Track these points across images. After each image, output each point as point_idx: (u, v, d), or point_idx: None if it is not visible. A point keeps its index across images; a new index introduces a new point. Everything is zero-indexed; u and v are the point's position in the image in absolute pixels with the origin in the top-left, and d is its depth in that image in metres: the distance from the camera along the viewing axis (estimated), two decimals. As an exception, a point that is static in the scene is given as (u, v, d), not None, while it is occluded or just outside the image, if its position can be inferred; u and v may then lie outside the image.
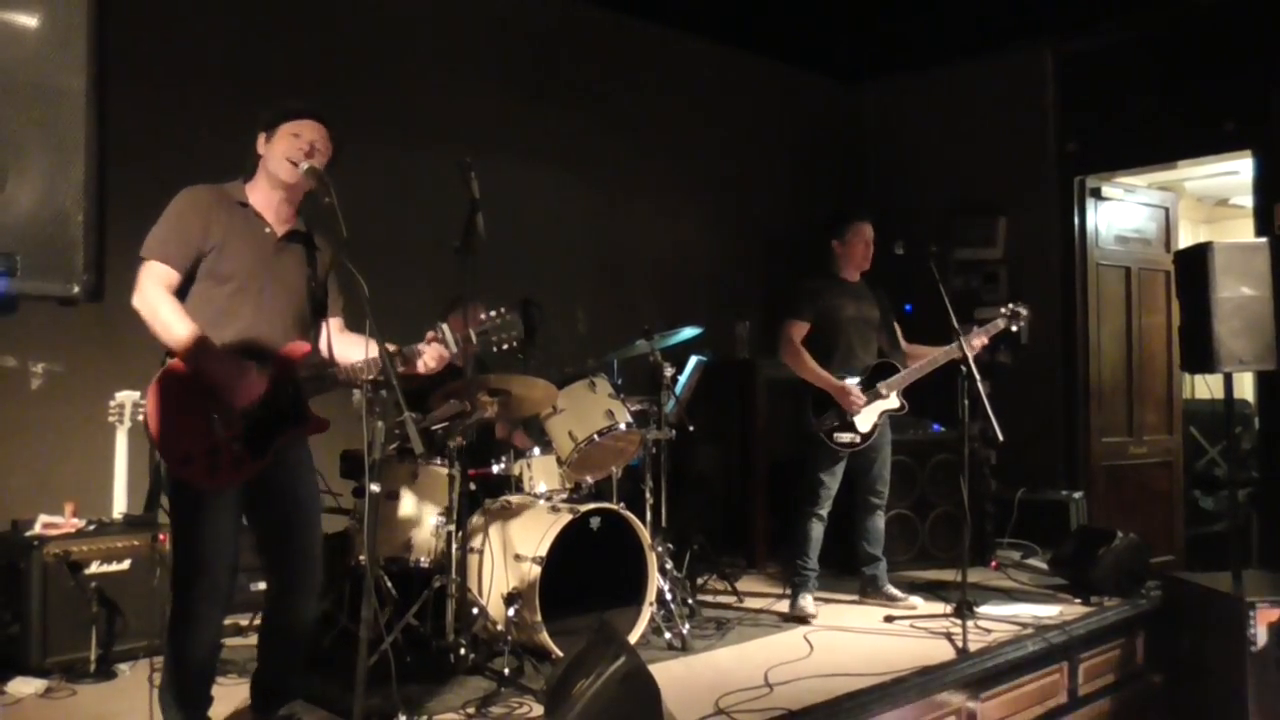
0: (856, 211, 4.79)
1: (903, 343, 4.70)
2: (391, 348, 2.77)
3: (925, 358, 4.52)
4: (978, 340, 4.36)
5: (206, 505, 2.70)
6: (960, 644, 3.86)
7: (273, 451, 2.77)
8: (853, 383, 4.48)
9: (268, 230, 2.85)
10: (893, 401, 4.54)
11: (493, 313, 3.04)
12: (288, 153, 2.79)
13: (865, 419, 4.49)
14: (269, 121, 2.85)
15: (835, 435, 4.47)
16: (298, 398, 2.82)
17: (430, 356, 2.89)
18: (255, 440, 2.73)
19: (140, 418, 3.82)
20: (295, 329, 2.87)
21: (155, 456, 2.73)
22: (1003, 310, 4.55)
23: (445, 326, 2.94)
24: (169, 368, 2.69)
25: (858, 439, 4.48)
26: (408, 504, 3.83)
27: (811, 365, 4.48)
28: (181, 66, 4.39)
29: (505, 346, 3.03)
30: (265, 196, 2.86)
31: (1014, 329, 4.56)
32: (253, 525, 2.92)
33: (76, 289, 1.57)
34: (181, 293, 2.74)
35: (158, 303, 2.66)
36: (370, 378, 2.76)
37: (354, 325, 3.03)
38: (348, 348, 2.95)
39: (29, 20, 1.51)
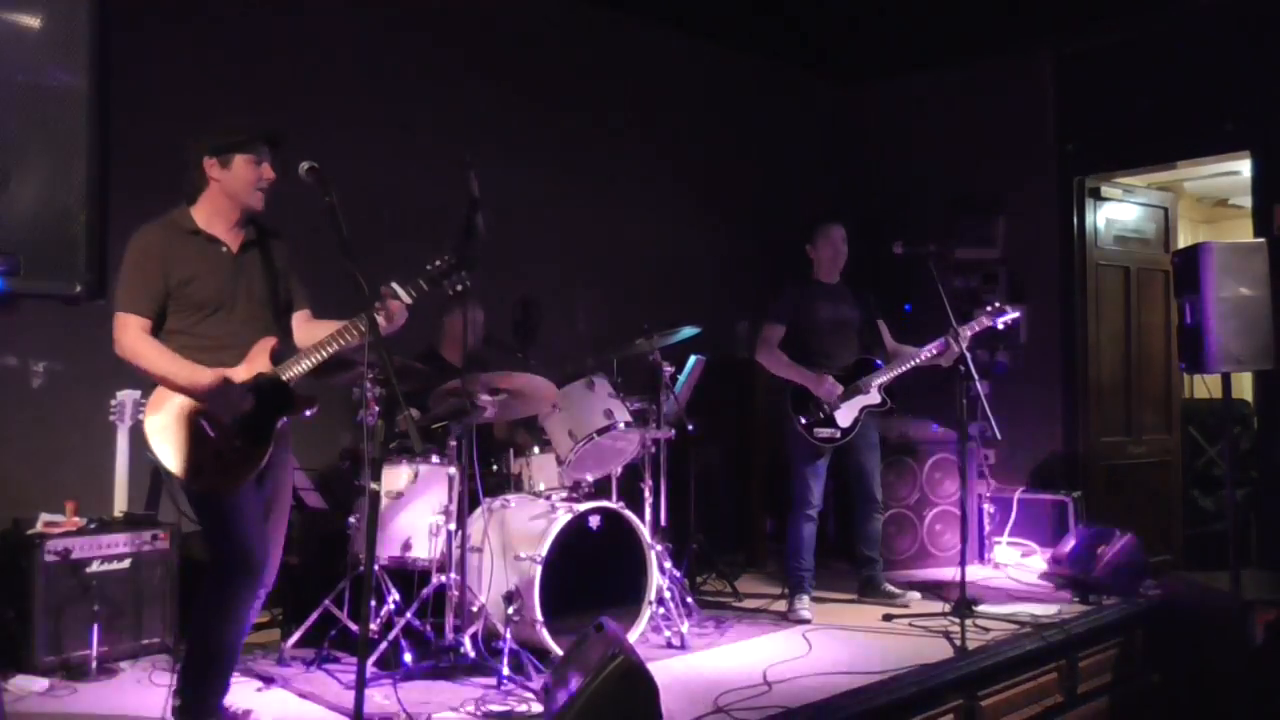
0: (826, 217, 4.87)
1: (890, 342, 4.74)
2: (335, 326, 2.90)
3: (909, 357, 4.54)
4: (962, 336, 4.39)
5: (230, 501, 2.80)
6: (959, 643, 3.87)
7: (273, 438, 2.84)
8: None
9: (224, 249, 2.91)
10: (874, 397, 4.57)
11: (437, 262, 3.05)
12: (256, 183, 2.87)
13: (846, 414, 4.52)
14: (220, 147, 2.86)
15: (815, 430, 4.49)
16: (279, 386, 2.88)
17: (393, 310, 2.92)
18: (252, 433, 2.81)
19: (141, 416, 3.83)
20: (266, 329, 2.94)
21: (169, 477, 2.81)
22: (987, 308, 4.59)
23: (394, 283, 2.97)
24: (161, 392, 2.79)
25: (837, 434, 4.52)
26: (407, 503, 3.83)
27: (784, 361, 4.54)
28: (181, 66, 4.38)
29: (460, 288, 3.06)
30: (222, 217, 2.91)
31: (999, 326, 4.58)
32: None
33: (79, 288, 1.58)
34: (157, 322, 2.83)
35: (143, 352, 2.77)
36: (339, 346, 2.88)
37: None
38: (306, 332, 3.03)
39: (31, 21, 1.52)
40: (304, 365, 2.91)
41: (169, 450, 2.76)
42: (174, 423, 2.77)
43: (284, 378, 2.89)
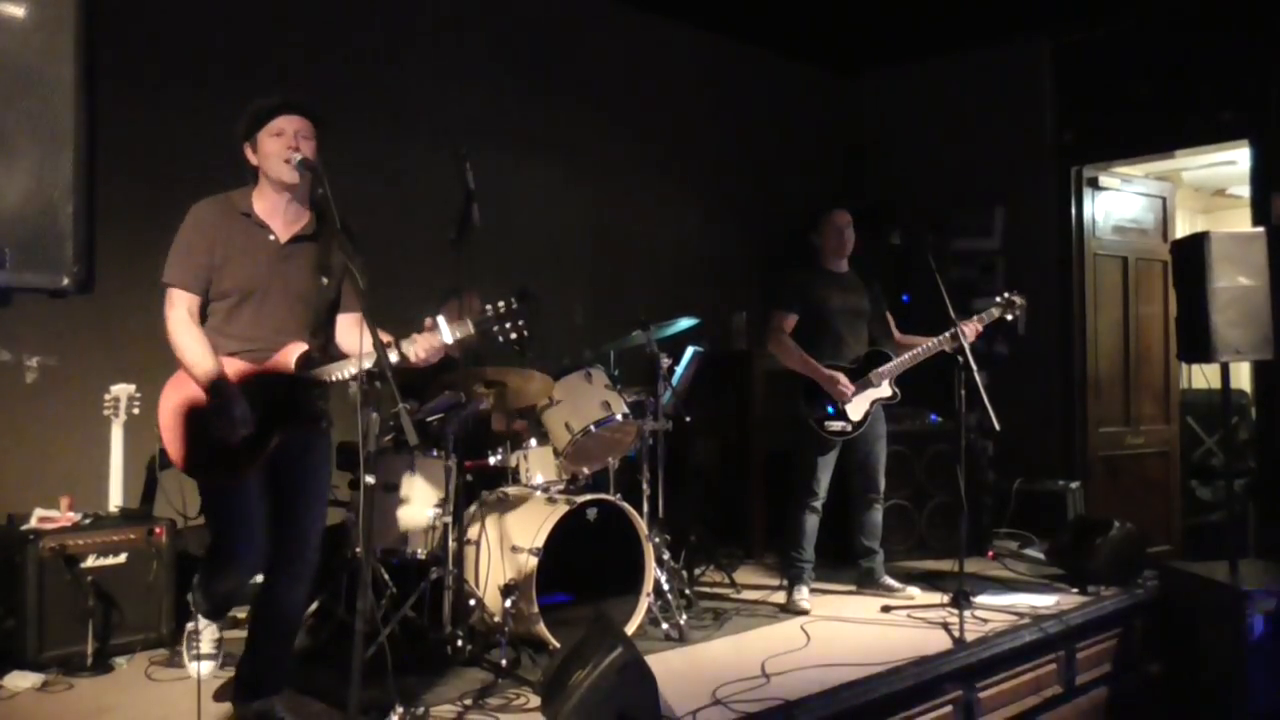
0: (830, 203, 4.82)
1: (896, 333, 4.70)
2: (387, 338, 2.75)
3: (918, 346, 4.51)
4: (970, 328, 4.35)
5: (224, 494, 2.79)
6: (957, 634, 3.87)
7: (269, 448, 2.78)
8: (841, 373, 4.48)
9: (271, 238, 2.84)
10: (884, 390, 4.53)
11: (500, 304, 2.90)
12: (280, 154, 2.77)
13: (856, 407, 4.49)
14: (246, 131, 2.82)
15: (826, 424, 4.46)
16: (294, 400, 2.82)
17: (421, 347, 2.81)
18: (251, 442, 2.75)
19: (135, 411, 3.84)
20: (298, 333, 2.86)
21: (158, 456, 2.86)
22: (998, 299, 4.51)
23: (441, 319, 2.87)
24: (177, 375, 2.77)
25: (849, 427, 4.48)
26: (404, 496, 3.82)
27: (798, 354, 4.49)
28: (171, 55, 4.36)
29: (514, 335, 2.90)
30: (271, 202, 2.85)
31: (1009, 318, 4.51)
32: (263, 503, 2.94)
33: (66, 281, 1.56)
34: (204, 307, 2.82)
35: (184, 340, 2.74)
36: (352, 373, 2.76)
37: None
38: (346, 338, 2.92)
39: (15, 9, 1.49)
40: (327, 378, 2.82)
41: (173, 433, 2.75)
42: (185, 409, 2.74)
43: (304, 395, 2.82)
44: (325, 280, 2.90)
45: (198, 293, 2.78)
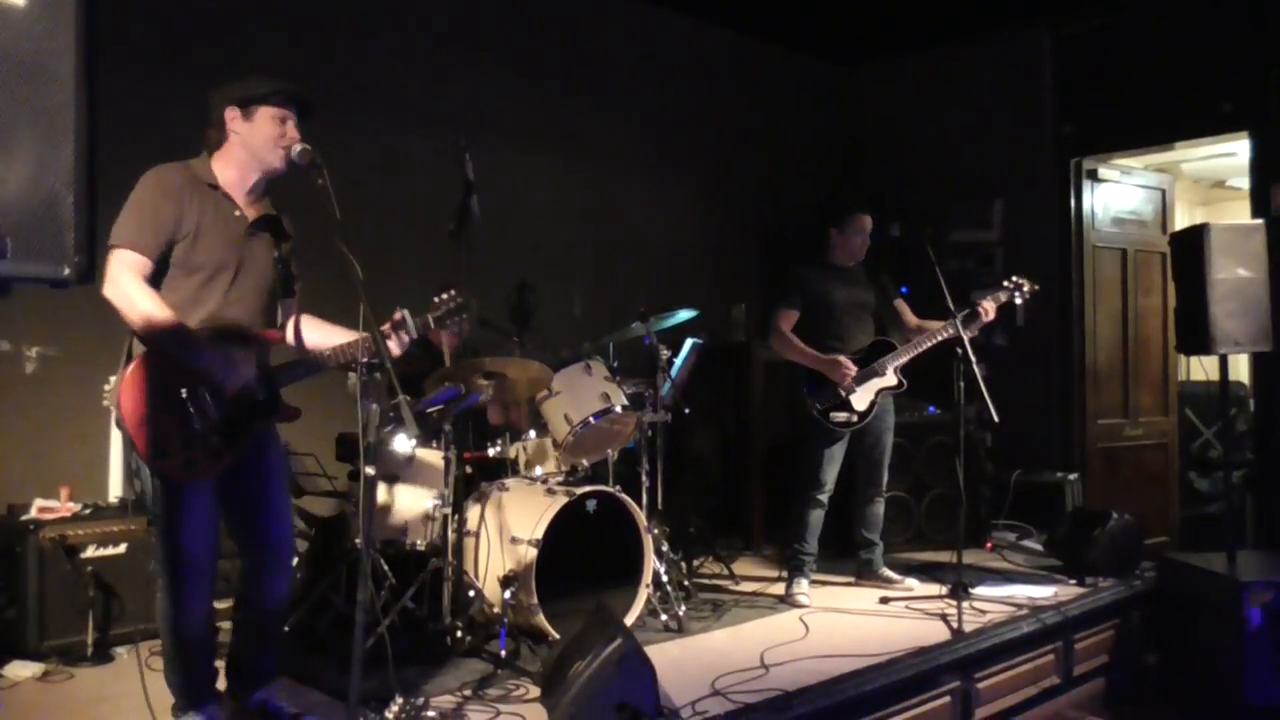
0: (858, 203, 4.76)
1: (914, 320, 4.63)
2: (354, 337, 2.75)
3: (930, 333, 4.45)
4: (983, 308, 4.33)
5: (186, 495, 2.67)
6: (955, 625, 3.88)
7: (248, 441, 2.74)
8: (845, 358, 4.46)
9: (238, 214, 2.77)
10: (890, 379, 4.51)
11: (444, 295, 2.93)
12: (279, 140, 2.74)
13: (862, 397, 4.47)
14: (246, 99, 2.75)
15: (831, 415, 4.45)
16: (270, 386, 2.79)
17: (393, 344, 2.81)
18: (231, 431, 2.69)
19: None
20: (263, 315, 2.83)
21: (132, 450, 2.65)
22: (1005, 283, 4.50)
23: (406, 312, 2.85)
24: (143, 360, 2.62)
25: (854, 418, 4.47)
26: (403, 487, 3.82)
27: (799, 346, 4.48)
28: (170, 45, 4.35)
29: (466, 328, 2.95)
30: (239, 175, 2.77)
31: (1018, 301, 4.49)
32: (222, 506, 2.90)
33: (67, 271, 1.55)
34: (153, 279, 2.65)
35: (136, 294, 2.57)
36: (337, 365, 2.74)
37: (348, 309, 3.00)
38: (313, 332, 2.91)
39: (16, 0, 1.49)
40: (299, 375, 2.80)
41: (141, 422, 2.57)
42: (158, 394, 2.58)
43: (277, 382, 2.78)
44: (279, 263, 2.85)
45: (153, 259, 2.61)
